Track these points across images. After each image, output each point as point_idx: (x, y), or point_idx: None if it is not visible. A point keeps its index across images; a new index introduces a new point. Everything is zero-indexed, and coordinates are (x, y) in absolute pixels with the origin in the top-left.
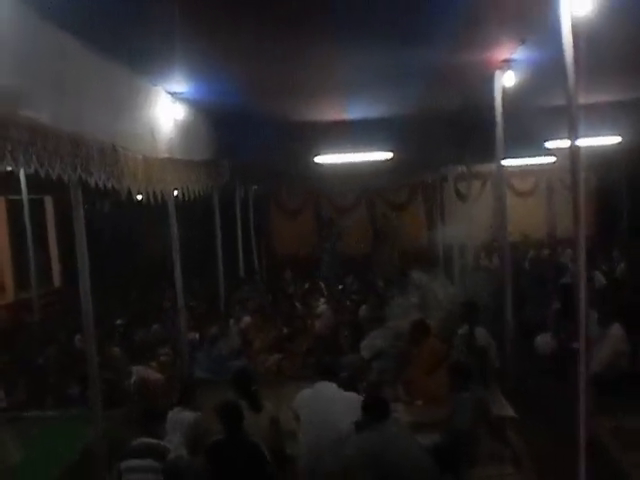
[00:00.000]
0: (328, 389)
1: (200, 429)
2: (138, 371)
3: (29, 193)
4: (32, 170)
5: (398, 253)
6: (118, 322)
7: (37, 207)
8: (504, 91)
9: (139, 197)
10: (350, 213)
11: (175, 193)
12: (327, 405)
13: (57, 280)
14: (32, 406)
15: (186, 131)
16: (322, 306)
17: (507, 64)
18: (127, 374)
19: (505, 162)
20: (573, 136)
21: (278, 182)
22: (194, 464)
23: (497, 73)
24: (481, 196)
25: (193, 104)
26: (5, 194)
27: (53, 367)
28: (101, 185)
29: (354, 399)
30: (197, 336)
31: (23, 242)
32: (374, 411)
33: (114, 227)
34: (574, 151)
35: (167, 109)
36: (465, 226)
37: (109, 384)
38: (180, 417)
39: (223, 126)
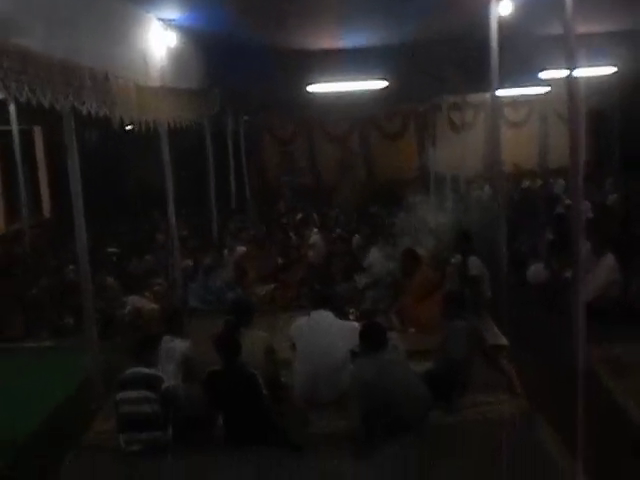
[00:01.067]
0: (324, 317)
1: (193, 358)
2: (132, 301)
3: (19, 124)
4: (24, 99)
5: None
6: (110, 250)
7: (26, 138)
8: (500, 19)
9: (129, 127)
10: (343, 141)
11: (167, 122)
12: (323, 333)
13: (47, 211)
14: (27, 338)
15: (178, 59)
16: (315, 236)
17: None
18: (121, 304)
19: (499, 92)
20: (571, 65)
21: (270, 111)
22: (190, 393)
23: (493, 1)
24: (474, 126)
25: (185, 32)
26: None
27: (47, 298)
28: (93, 113)
29: (350, 327)
30: (190, 263)
31: (12, 173)
32: (371, 339)
33: (103, 157)
34: (572, 81)
35: (159, 37)
36: (457, 156)
37: (103, 314)
38: (171, 346)
39: (215, 54)
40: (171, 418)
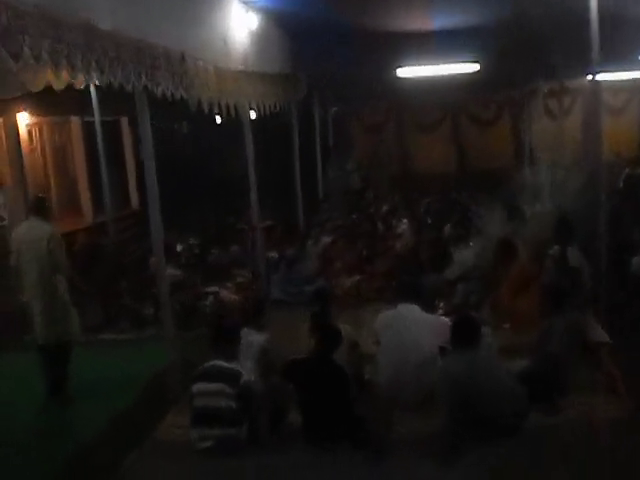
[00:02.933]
0: (410, 311)
1: (271, 352)
2: (215, 291)
3: (105, 115)
4: (92, 79)
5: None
6: (191, 242)
7: (114, 129)
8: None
9: (217, 118)
10: (434, 129)
11: (250, 108)
12: (410, 328)
13: (135, 202)
14: (107, 329)
15: (260, 43)
16: (403, 226)
17: None
18: (203, 295)
19: (601, 76)
20: None
21: (358, 98)
22: (269, 388)
23: None
24: (571, 112)
25: (267, 14)
26: (80, 115)
27: (129, 289)
28: (169, 95)
29: (440, 322)
30: (275, 255)
31: (100, 165)
32: (464, 334)
33: (193, 148)
34: None
35: (240, 19)
36: (555, 144)
37: (183, 305)
38: (250, 340)
39: (299, 38)
40: (247, 415)
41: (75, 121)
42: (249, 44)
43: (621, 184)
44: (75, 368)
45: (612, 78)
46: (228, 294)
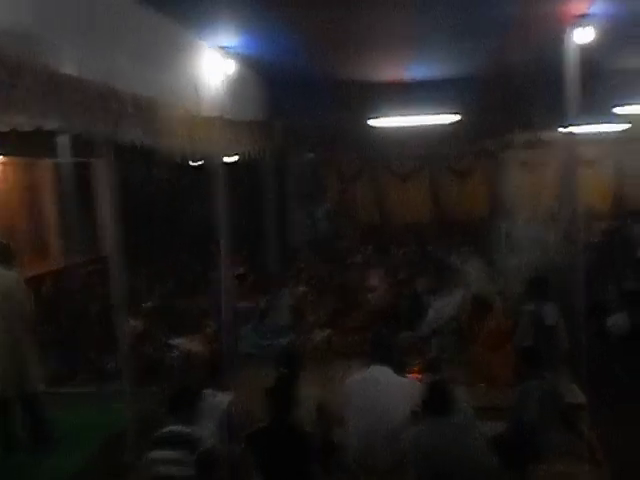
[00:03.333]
0: (383, 374)
1: (237, 415)
2: (181, 344)
3: (78, 156)
4: (53, 126)
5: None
6: (158, 291)
7: (86, 171)
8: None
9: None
10: (409, 180)
11: (224, 157)
12: (381, 392)
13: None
14: (69, 381)
15: (235, 89)
16: (377, 278)
17: (583, 19)
18: (169, 347)
19: (576, 129)
20: None
21: (334, 147)
22: (230, 454)
23: (571, 29)
24: (546, 165)
25: (243, 60)
26: (50, 157)
27: (92, 340)
28: (137, 144)
29: (412, 385)
30: (247, 306)
31: (70, 208)
32: (435, 401)
33: (167, 194)
34: None
35: (214, 64)
36: (529, 197)
37: (146, 359)
38: (215, 402)
39: (275, 85)
40: None
41: (46, 162)
42: (223, 90)
43: (594, 239)
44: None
45: (589, 130)
46: (196, 345)
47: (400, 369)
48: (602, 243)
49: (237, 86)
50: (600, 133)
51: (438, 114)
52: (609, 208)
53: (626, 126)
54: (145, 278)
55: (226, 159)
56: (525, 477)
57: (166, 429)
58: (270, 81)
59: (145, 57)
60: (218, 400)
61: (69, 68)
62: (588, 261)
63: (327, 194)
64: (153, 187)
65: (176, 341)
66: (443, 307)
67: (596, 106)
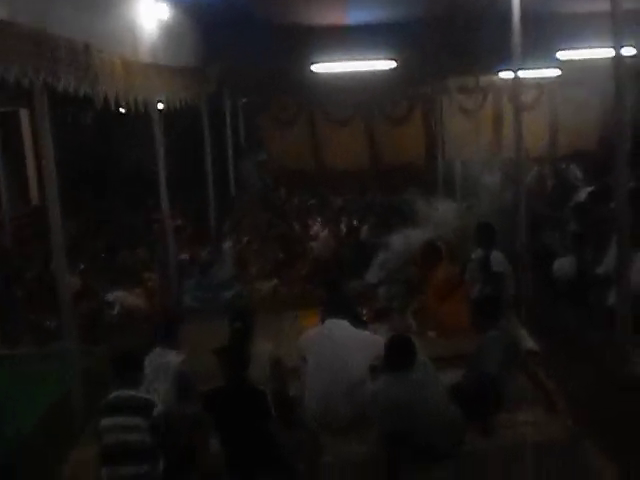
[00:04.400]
0: (339, 328)
1: (189, 375)
2: (122, 298)
3: (3, 105)
4: None
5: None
6: (95, 243)
7: (12, 121)
8: None
9: (122, 109)
10: (346, 126)
11: (159, 104)
12: (339, 346)
13: (36, 199)
14: (3, 343)
15: (171, 34)
16: (318, 225)
17: None
18: (109, 303)
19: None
20: (617, 45)
21: (270, 92)
22: (186, 416)
23: None
24: (482, 109)
25: (178, 4)
26: None
27: (27, 298)
28: (71, 90)
29: (372, 340)
30: (187, 257)
31: None
32: (398, 355)
33: (98, 140)
34: (618, 60)
35: (150, 9)
36: (467, 141)
37: (86, 316)
38: (165, 361)
39: (211, 30)
40: (163, 449)
41: None
42: (159, 36)
43: (532, 181)
44: None
45: (530, 75)
46: (136, 299)
47: (354, 323)
48: (541, 187)
49: (172, 31)
50: (536, 79)
51: (377, 59)
52: (544, 152)
53: (559, 72)
54: (82, 232)
55: (161, 105)
56: (486, 428)
57: (115, 394)
58: (205, 25)
59: (80, 2)
60: (168, 360)
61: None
62: (529, 205)
63: (263, 141)
64: (87, 136)
65: (115, 295)
66: (388, 256)
67: (536, 50)
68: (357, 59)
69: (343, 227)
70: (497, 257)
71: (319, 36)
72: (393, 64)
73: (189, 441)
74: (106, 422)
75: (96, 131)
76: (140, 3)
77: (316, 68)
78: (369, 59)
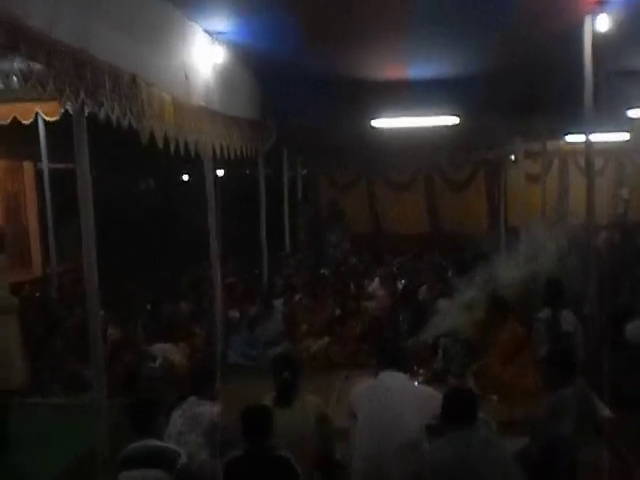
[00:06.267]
0: (394, 381)
1: (225, 428)
2: (165, 352)
3: (61, 161)
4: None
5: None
6: (142, 296)
7: (71, 177)
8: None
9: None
10: (406, 190)
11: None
12: (393, 401)
13: None
14: (37, 392)
15: (225, 81)
16: (375, 285)
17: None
18: (149, 355)
19: (575, 138)
20: None
21: (329, 152)
22: (218, 473)
23: (587, 19)
24: (547, 175)
25: (234, 49)
26: (33, 160)
27: (66, 349)
28: (114, 120)
29: (429, 395)
30: (237, 315)
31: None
32: (458, 411)
33: (157, 204)
34: None
35: (205, 51)
36: (531, 208)
37: (126, 367)
38: (197, 411)
39: (268, 81)
40: None
41: (28, 167)
42: (213, 81)
43: (602, 246)
44: None
45: (599, 139)
46: (180, 354)
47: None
48: (613, 251)
49: (228, 79)
50: (604, 143)
51: (440, 116)
52: (609, 219)
53: (628, 136)
54: (132, 285)
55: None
56: None
57: (134, 444)
58: (264, 76)
59: (129, 28)
60: (203, 410)
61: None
62: (601, 270)
63: (321, 201)
64: (149, 198)
65: (158, 347)
66: (446, 313)
67: (607, 111)
68: (419, 115)
69: (399, 288)
70: (567, 316)
71: (379, 91)
72: (456, 120)
73: None
74: (126, 476)
75: (157, 195)
76: (195, 42)
77: (377, 123)
78: (431, 115)
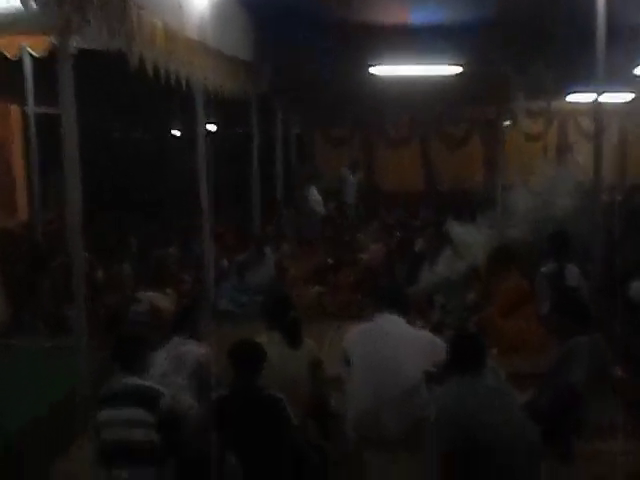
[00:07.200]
0: (392, 324)
1: (211, 369)
2: (151, 297)
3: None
4: None
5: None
6: (130, 240)
7: (55, 121)
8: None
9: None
10: (402, 147)
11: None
12: (390, 345)
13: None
14: (19, 333)
15: (220, 16)
16: (368, 237)
17: None
18: (135, 300)
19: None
20: None
21: (325, 105)
22: (203, 415)
23: None
24: (547, 135)
25: None
26: (17, 103)
27: (51, 290)
28: (102, 42)
29: (427, 339)
30: (226, 264)
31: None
32: (467, 356)
33: (149, 155)
34: None
35: None
36: (531, 169)
37: (108, 310)
38: (182, 351)
39: (263, 22)
40: (173, 449)
41: (15, 111)
42: (207, 14)
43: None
44: None
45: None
46: (166, 300)
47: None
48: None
49: (223, 14)
50: (606, 103)
51: (441, 64)
52: (612, 181)
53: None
54: (122, 231)
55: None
56: (567, 454)
57: (117, 382)
58: (257, 16)
59: None
60: (188, 349)
61: None
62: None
63: (315, 157)
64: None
65: (145, 293)
66: (445, 265)
67: (616, 69)
68: (420, 63)
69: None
70: (572, 270)
71: (379, 36)
72: (459, 69)
73: (207, 441)
74: (104, 414)
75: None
76: None
77: (375, 70)
78: (432, 63)
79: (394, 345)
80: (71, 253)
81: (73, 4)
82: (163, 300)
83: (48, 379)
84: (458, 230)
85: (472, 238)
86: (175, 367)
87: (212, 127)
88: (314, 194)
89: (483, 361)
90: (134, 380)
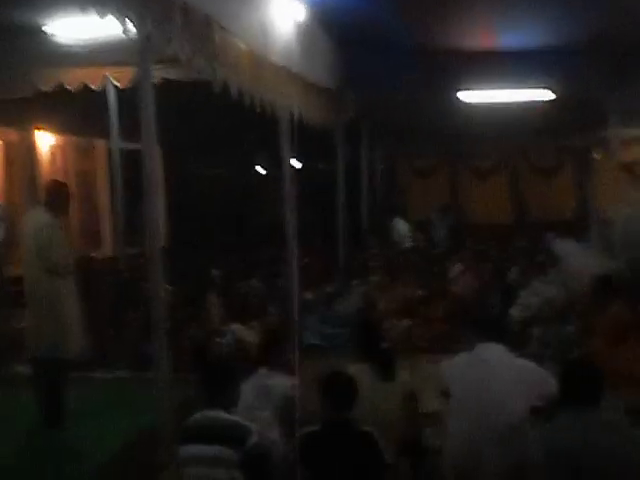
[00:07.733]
0: (494, 354)
1: (299, 402)
2: (235, 331)
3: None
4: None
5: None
6: (214, 272)
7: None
8: None
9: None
10: (490, 177)
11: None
12: (492, 377)
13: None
14: (102, 366)
15: (305, 42)
16: (457, 269)
17: None
18: (219, 333)
19: None
20: None
21: (411, 133)
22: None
23: None
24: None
25: (316, 11)
26: (105, 138)
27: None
28: (183, 58)
29: (533, 370)
30: (311, 297)
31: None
32: (581, 387)
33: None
34: None
35: (285, 6)
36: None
37: (193, 342)
38: (267, 384)
39: (349, 45)
40: None
41: (100, 146)
42: (293, 40)
43: None
44: None
45: None
46: (252, 335)
47: None
48: None
49: (308, 41)
50: None
51: (531, 89)
52: None
53: None
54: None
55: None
56: None
57: (201, 415)
58: (345, 42)
59: None
60: (274, 382)
61: None
62: None
63: (400, 189)
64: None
65: (230, 326)
66: (541, 293)
67: None
68: (509, 88)
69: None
70: None
71: (467, 61)
72: (550, 95)
73: None
74: (190, 450)
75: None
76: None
77: (463, 96)
78: (522, 88)
79: (496, 376)
80: (150, 286)
81: (154, 22)
82: (248, 333)
83: (128, 411)
84: (565, 247)
85: (582, 258)
86: (261, 400)
87: (295, 162)
88: (400, 225)
89: (600, 393)
90: (221, 414)
